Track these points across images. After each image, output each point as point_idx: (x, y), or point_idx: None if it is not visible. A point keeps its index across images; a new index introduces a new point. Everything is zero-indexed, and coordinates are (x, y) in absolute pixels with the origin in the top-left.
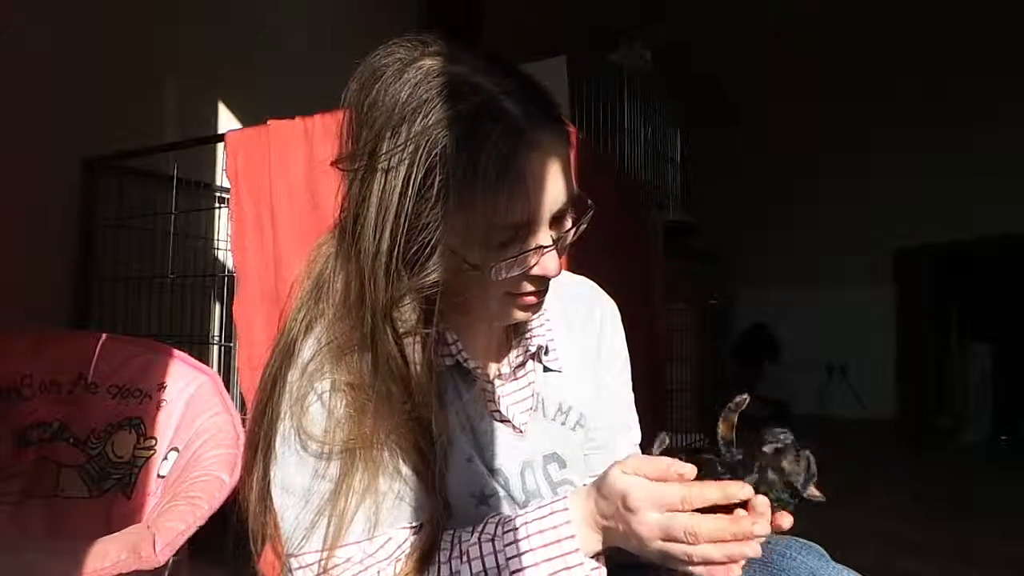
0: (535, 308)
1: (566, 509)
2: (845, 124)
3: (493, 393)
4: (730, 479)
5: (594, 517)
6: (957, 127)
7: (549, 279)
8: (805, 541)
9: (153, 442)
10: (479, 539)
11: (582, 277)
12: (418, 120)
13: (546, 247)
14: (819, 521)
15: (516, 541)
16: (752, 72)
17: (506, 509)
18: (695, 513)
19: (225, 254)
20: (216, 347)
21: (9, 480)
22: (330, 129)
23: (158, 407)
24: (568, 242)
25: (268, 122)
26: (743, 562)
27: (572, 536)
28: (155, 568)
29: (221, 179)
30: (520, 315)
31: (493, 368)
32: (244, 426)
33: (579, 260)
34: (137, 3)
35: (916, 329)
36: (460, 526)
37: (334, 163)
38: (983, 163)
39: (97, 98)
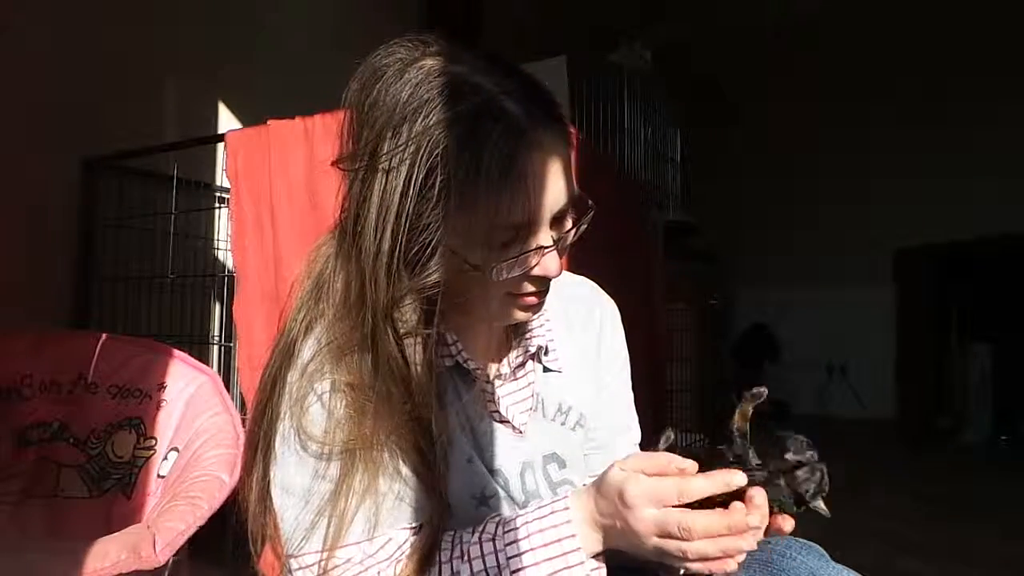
0: (536, 308)
1: (567, 509)
2: (845, 124)
3: (493, 393)
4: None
5: (594, 516)
6: (957, 127)
7: (550, 279)
8: (805, 541)
9: (153, 442)
10: (479, 539)
11: (582, 277)
12: (419, 120)
13: (547, 247)
14: (819, 521)
15: (517, 541)
16: (752, 72)
17: (506, 510)
18: (688, 508)
19: (225, 254)
20: (216, 347)
21: (9, 480)
22: (330, 129)
23: (158, 407)
24: (569, 242)
25: (268, 122)
26: (741, 558)
27: (573, 535)
28: (155, 568)
29: (221, 179)
30: (521, 315)
31: (493, 368)
32: (244, 426)
33: (579, 260)
34: (137, 3)
35: (916, 329)
36: (460, 527)
37: (335, 163)
38: (983, 163)
39: (97, 98)
